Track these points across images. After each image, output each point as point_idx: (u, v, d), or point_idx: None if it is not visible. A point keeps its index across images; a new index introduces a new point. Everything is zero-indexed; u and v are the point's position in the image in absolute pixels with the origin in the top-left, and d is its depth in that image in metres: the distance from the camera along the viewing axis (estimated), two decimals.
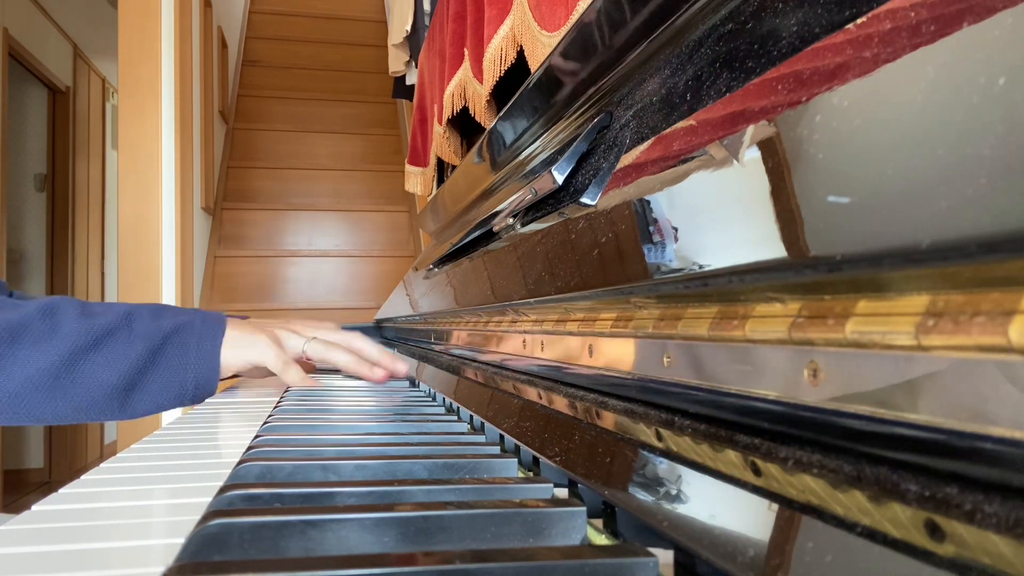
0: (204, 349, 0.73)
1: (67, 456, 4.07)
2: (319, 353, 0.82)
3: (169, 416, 2.43)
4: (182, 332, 0.72)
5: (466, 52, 1.16)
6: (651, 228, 0.30)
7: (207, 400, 0.79)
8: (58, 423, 0.69)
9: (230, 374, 0.76)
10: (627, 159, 0.37)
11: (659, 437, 0.29)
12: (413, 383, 0.91)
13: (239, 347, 0.75)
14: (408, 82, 2.91)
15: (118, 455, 0.47)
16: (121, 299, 2.49)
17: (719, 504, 0.23)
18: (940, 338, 0.16)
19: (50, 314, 0.68)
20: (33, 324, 0.66)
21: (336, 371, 1.19)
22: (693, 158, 0.28)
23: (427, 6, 2.48)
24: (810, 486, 0.20)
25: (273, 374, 0.82)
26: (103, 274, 4.65)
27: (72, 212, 4.29)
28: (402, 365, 0.88)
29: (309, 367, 0.97)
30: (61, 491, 0.36)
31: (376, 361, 0.86)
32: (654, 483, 0.27)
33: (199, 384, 0.72)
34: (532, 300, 0.46)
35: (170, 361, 0.71)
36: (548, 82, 0.56)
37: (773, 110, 0.23)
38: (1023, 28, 0.14)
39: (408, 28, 2.65)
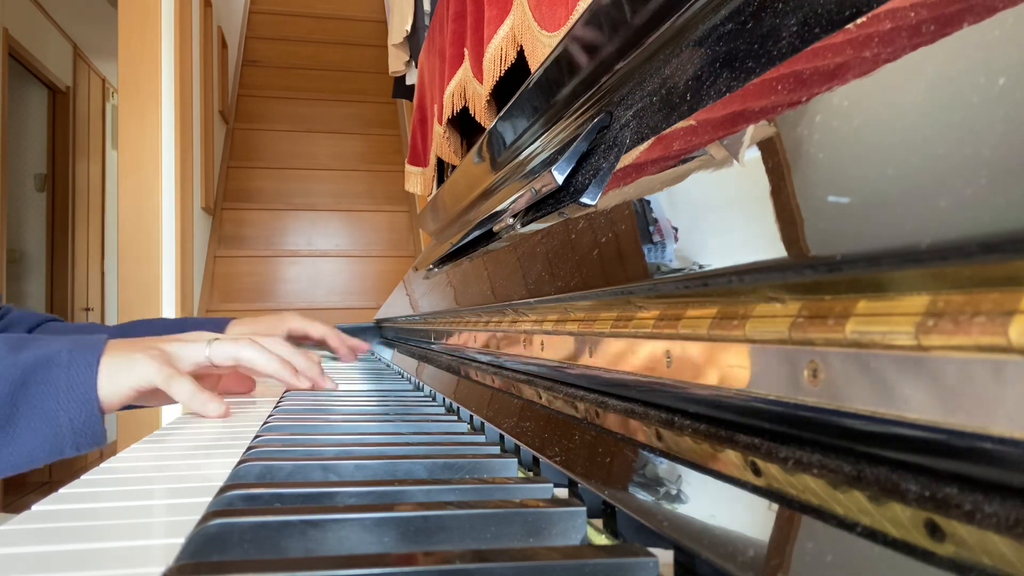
0: (76, 383, 0.59)
1: None
2: (226, 355, 0.68)
3: (169, 416, 2.43)
4: (47, 367, 0.59)
5: (466, 52, 1.16)
6: (651, 228, 0.30)
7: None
8: None
9: (116, 406, 0.63)
10: (627, 159, 0.37)
11: (659, 437, 0.29)
12: (415, 384, 0.91)
13: (118, 373, 0.61)
14: (408, 82, 2.91)
15: (118, 455, 0.47)
16: (122, 299, 2.50)
17: (719, 504, 0.23)
18: (940, 338, 0.16)
19: None
20: None
21: (335, 361, 1.20)
22: (693, 158, 0.28)
23: (427, 6, 2.48)
24: (810, 486, 0.20)
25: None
26: (103, 274, 4.65)
27: (72, 212, 4.29)
28: (329, 383, 0.78)
29: (244, 384, 0.83)
30: (61, 491, 0.36)
31: (302, 370, 0.75)
32: (654, 483, 0.27)
33: (76, 428, 0.59)
34: (532, 300, 0.46)
35: (36, 402, 0.58)
36: (548, 82, 0.56)
37: (773, 110, 0.23)
38: (1023, 28, 0.14)
39: (408, 28, 2.65)
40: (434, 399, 0.72)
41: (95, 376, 0.60)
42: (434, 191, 1.68)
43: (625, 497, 0.28)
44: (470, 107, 1.17)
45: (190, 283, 2.76)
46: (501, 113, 0.67)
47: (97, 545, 0.28)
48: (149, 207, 2.49)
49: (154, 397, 0.67)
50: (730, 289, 0.25)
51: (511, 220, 0.57)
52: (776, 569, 0.19)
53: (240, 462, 0.38)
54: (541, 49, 0.77)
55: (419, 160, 1.80)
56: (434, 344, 0.95)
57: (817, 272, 0.20)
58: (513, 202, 0.54)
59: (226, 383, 0.80)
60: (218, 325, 0.69)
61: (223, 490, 0.32)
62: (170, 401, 0.69)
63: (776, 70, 0.25)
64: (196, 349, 0.68)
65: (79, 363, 0.60)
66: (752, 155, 0.24)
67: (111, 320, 4.65)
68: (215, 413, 0.65)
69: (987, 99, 0.14)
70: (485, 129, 0.85)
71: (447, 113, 1.30)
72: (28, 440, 0.58)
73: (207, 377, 0.74)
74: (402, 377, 0.99)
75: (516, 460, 0.40)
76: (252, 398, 0.82)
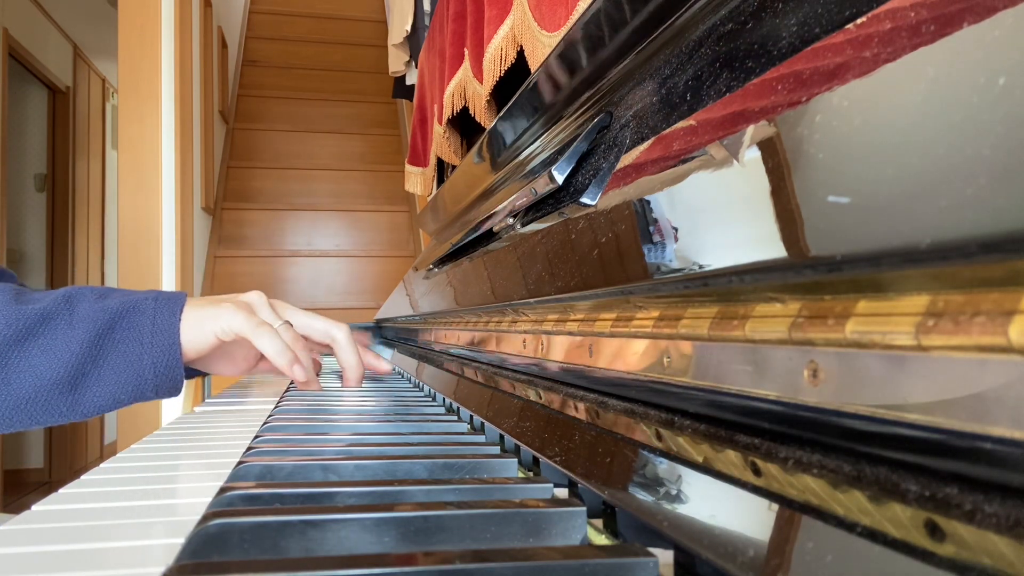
0: (160, 329, 0.62)
1: (67, 456, 4.07)
2: (322, 329, 0.72)
3: (169, 416, 2.43)
4: (133, 313, 0.62)
5: (466, 52, 1.16)
6: (651, 228, 0.30)
7: (207, 400, 0.78)
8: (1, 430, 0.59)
9: (196, 355, 0.65)
10: (627, 159, 0.37)
11: (659, 437, 0.29)
12: (415, 384, 0.91)
13: (201, 321, 0.63)
14: (408, 82, 2.91)
15: (118, 455, 0.47)
16: None
17: (719, 504, 0.23)
18: (940, 338, 0.16)
19: None
20: None
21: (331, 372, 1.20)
22: (693, 158, 0.28)
23: (427, 6, 2.48)
24: (810, 486, 0.20)
25: (262, 371, 0.72)
26: (103, 274, 4.65)
27: (72, 212, 4.29)
28: (385, 364, 0.80)
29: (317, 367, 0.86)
30: (61, 491, 0.36)
31: (355, 367, 0.77)
32: (654, 483, 0.27)
33: (159, 372, 0.62)
34: (532, 300, 0.46)
35: (121, 347, 0.60)
36: (548, 82, 0.56)
37: (773, 110, 0.23)
38: (1023, 28, 0.14)
39: (408, 28, 2.65)
40: (434, 399, 0.72)
41: (178, 323, 0.62)
42: (434, 191, 1.68)
43: (625, 497, 0.28)
44: (470, 107, 1.17)
45: (190, 283, 2.76)
46: (501, 113, 0.67)
47: (97, 545, 0.28)
48: (149, 207, 2.49)
49: (230, 359, 0.70)
50: (730, 289, 0.25)
51: (511, 220, 0.57)
52: (776, 569, 0.19)
53: (240, 462, 0.38)
54: (541, 49, 0.77)
55: (419, 160, 1.80)
56: (434, 344, 0.95)
57: (817, 272, 0.20)
58: (513, 202, 0.54)
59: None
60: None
61: (223, 490, 0.32)
62: (243, 367, 0.71)
63: (776, 70, 0.25)
64: (272, 316, 0.69)
65: (163, 310, 0.63)
66: (752, 155, 0.24)
67: None
68: (301, 377, 0.67)
69: (987, 99, 0.14)
70: (485, 129, 0.85)
71: (447, 113, 1.30)
72: (113, 382, 0.60)
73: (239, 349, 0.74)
74: (402, 377, 0.99)
75: (516, 460, 0.40)
76: (252, 398, 0.82)
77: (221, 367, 0.72)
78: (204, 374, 0.77)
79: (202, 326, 0.63)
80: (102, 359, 0.60)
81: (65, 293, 0.62)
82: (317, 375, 0.78)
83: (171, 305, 0.63)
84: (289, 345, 0.67)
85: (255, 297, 0.70)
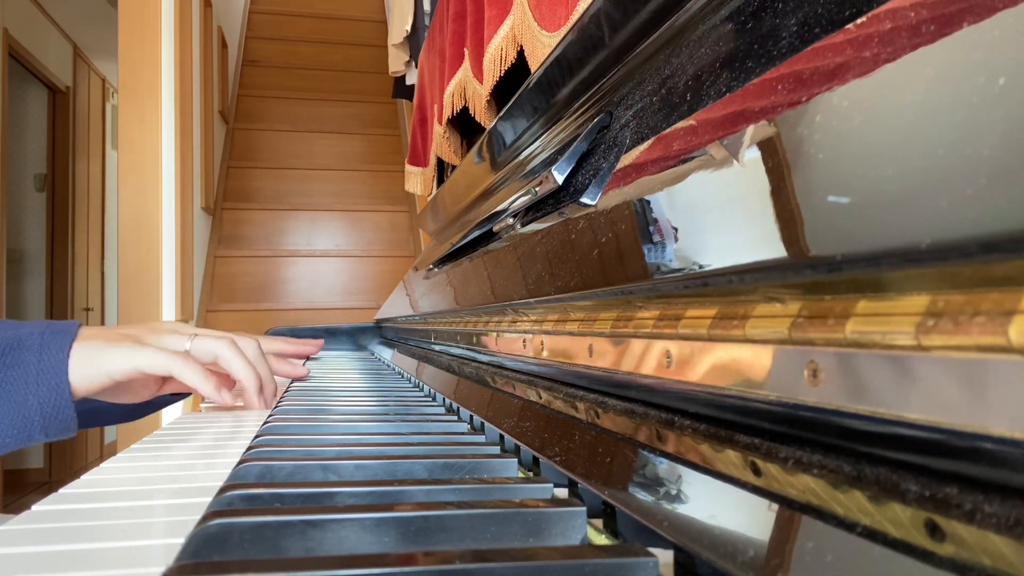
0: (47, 367, 0.57)
1: (67, 456, 4.07)
2: (207, 351, 0.66)
3: (169, 416, 2.43)
4: (17, 350, 0.57)
5: (466, 52, 1.16)
6: (651, 228, 0.30)
7: (206, 400, 0.78)
8: None
9: (87, 394, 0.60)
10: (627, 159, 0.37)
11: (659, 437, 0.29)
12: (415, 384, 0.91)
13: (93, 358, 0.58)
14: (408, 82, 2.91)
15: (118, 455, 0.47)
16: (121, 299, 2.50)
17: (719, 504, 0.23)
18: (940, 338, 0.16)
19: None
20: None
21: (339, 356, 1.20)
22: (693, 158, 0.28)
23: (427, 6, 2.48)
24: (810, 486, 0.20)
25: (148, 396, 0.66)
26: (103, 274, 4.65)
27: (72, 212, 4.29)
28: (268, 407, 0.72)
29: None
30: (61, 491, 0.36)
31: (264, 386, 0.71)
32: (654, 483, 0.27)
33: (46, 413, 0.57)
34: (532, 300, 0.46)
35: (5, 386, 0.56)
36: (548, 82, 0.56)
37: (773, 110, 0.23)
38: (1023, 28, 0.14)
39: (408, 28, 2.65)
40: (434, 399, 0.72)
41: (67, 360, 0.58)
42: (434, 191, 1.68)
43: (625, 497, 0.28)
44: (470, 107, 1.17)
45: (190, 283, 2.76)
46: (501, 113, 0.67)
47: (97, 545, 0.28)
48: (149, 207, 2.49)
49: (125, 390, 0.65)
50: (730, 289, 0.25)
51: (511, 220, 0.57)
52: (776, 569, 0.19)
53: (240, 462, 0.38)
54: (541, 49, 0.77)
55: (419, 160, 1.80)
56: (434, 344, 0.95)
57: (817, 272, 0.20)
58: (513, 202, 0.54)
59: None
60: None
61: (223, 490, 0.32)
62: (137, 396, 0.67)
63: (776, 70, 0.25)
64: (178, 341, 0.66)
65: (50, 347, 0.58)
66: (752, 155, 0.24)
67: (111, 321, 4.65)
68: (223, 402, 0.64)
69: (987, 99, 0.14)
70: (485, 129, 0.85)
71: (447, 113, 1.30)
72: None
73: (172, 381, 0.70)
74: (402, 377, 0.99)
75: (516, 460, 0.40)
76: None
77: (120, 398, 0.67)
78: (109, 411, 0.73)
79: (92, 366, 0.59)
80: None
81: None
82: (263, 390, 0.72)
83: (59, 340, 0.59)
84: (208, 374, 0.63)
85: (159, 330, 0.67)
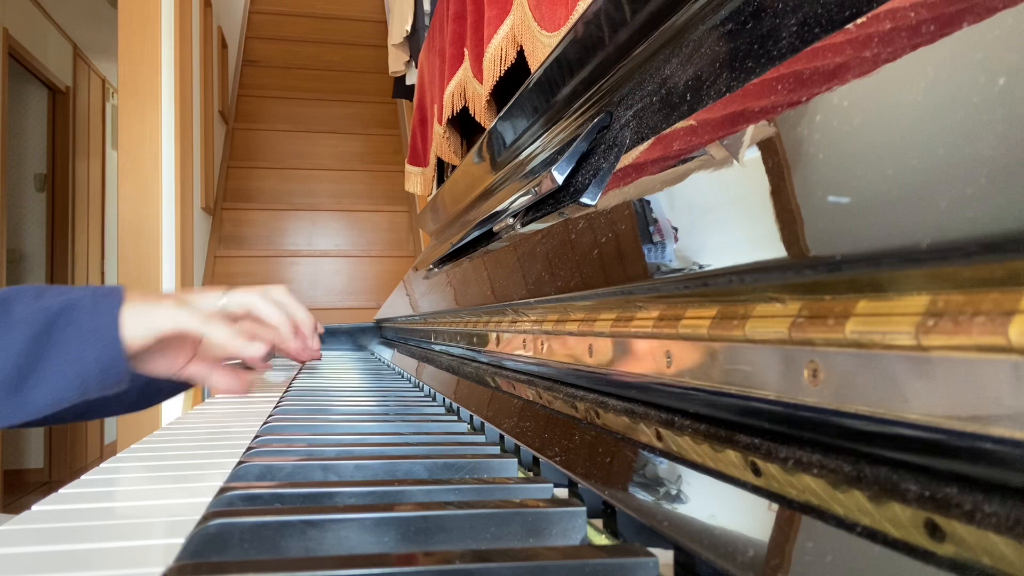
0: (101, 324, 0.62)
1: (67, 456, 4.07)
2: (241, 304, 0.72)
3: (169, 416, 2.43)
4: (71, 310, 0.62)
5: (466, 52, 1.16)
6: (651, 228, 0.30)
7: (207, 400, 0.78)
8: None
9: (137, 349, 0.65)
10: (627, 159, 0.37)
11: (659, 437, 0.29)
12: (415, 384, 0.91)
13: (141, 317, 0.64)
14: (408, 82, 2.91)
15: (118, 455, 0.47)
16: None
17: (719, 504, 0.23)
18: (940, 338, 0.16)
19: None
20: None
21: (342, 356, 1.20)
22: (693, 158, 0.28)
23: (427, 6, 2.48)
24: (810, 486, 0.20)
25: (181, 366, 0.72)
26: (103, 274, 4.65)
27: (72, 212, 4.29)
28: (313, 354, 0.80)
29: (237, 382, 0.80)
30: (61, 491, 0.36)
31: (301, 325, 0.77)
32: (654, 483, 0.27)
33: (103, 365, 0.62)
34: (532, 300, 0.46)
35: (62, 345, 0.61)
36: (548, 82, 0.56)
37: (773, 110, 0.23)
38: (1023, 28, 0.14)
39: (408, 28, 2.65)
40: (434, 399, 0.72)
41: (118, 317, 0.63)
42: (434, 191, 1.68)
43: (625, 497, 0.28)
44: (470, 107, 1.17)
45: (190, 283, 2.76)
46: (501, 113, 0.67)
47: (97, 545, 0.28)
48: (149, 207, 2.49)
49: (178, 352, 0.71)
50: (730, 289, 0.25)
51: (511, 220, 0.57)
52: (776, 569, 0.19)
53: (240, 462, 0.38)
54: (541, 49, 0.77)
55: (419, 160, 1.80)
56: (434, 344, 0.95)
57: (817, 272, 0.20)
58: (513, 202, 0.54)
59: (218, 381, 0.79)
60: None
61: (223, 490, 0.32)
62: (177, 366, 0.72)
63: (776, 70, 0.25)
64: (212, 297, 0.71)
65: (102, 305, 0.63)
66: (752, 155, 0.24)
67: None
68: (256, 352, 0.69)
69: (987, 99, 0.14)
70: (485, 129, 0.85)
71: (447, 113, 1.30)
72: (57, 380, 0.61)
73: (183, 349, 0.74)
74: (402, 377, 0.99)
75: (516, 460, 0.40)
76: (252, 398, 0.82)
77: (157, 366, 0.72)
78: (181, 389, 0.78)
79: (141, 323, 0.64)
80: (44, 358, 0.61)
81: (3, 294, 0.62)
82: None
83: (110, 300, 0.64)
84: (236, 332, 0.69)
85: (193, 295, 0.72)
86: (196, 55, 2.94)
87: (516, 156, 0.70)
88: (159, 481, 0.40)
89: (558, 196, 0.46)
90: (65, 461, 4.05)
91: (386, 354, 1.42)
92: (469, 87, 1.15)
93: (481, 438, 0.48)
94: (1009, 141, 0.14)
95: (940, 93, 0.16)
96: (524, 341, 0.50)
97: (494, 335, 0.60)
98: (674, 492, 0.26)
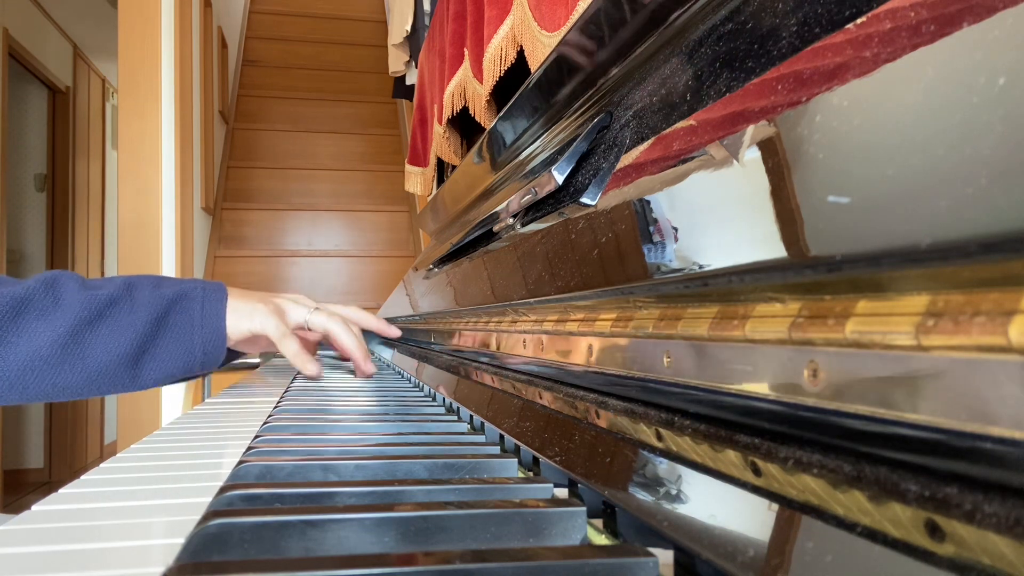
0: (209, 315, 0.73)
1: (67, 456, 4.07)
2: (322, 325, 0.83)
3: (169, 416, 2.44)
4: (184, 299, 0.73)
5: (466, 52, 1.16)
6: (651, 228, 0.30)
7: (207, 400, 0.78)
8: (68, 397, 0.69)
9: (236, 340, 0.77)
10: (627, 159, 0.37)
11: (659, 437, 0.29)
12: (415, 384, 0.91)
13: (241, 315, 0.75)
14: (408, 82, 2.91)
15: (118, 455, 0.47)
16: None
17: (719, 504, 0.23)
18: (940, 338, 0.16)
19: (52, 287, 0.68)
20: (36, 298, 0.67)
21: (339, 362, 1.20)
22: (693, 158, 0.28)
23: (427, 6, 2.48)
24: (810, 486, 0.20)
25: (273, 351, 0.83)
26: (103, 274, 4.65)
27: (72, 212, 4.29)
28: (371, 368, 0.92)
29: (312, 348, 0.97)
30: (61, 491, 0.36)
31: (364, 356, 0.88)
32: (654, 483, 0.27)
33: (207, 351, 0.73)
34: (532, 300, 0.46)
35: (176, 328, 0.71)
36: (548, 82, 0.56)
37: (773, 110, 0.23)
38: (1023, 28, 0.14)
39: (408, 28, 2.65)
40: (434, 399, 0.72)
41: (223, 310, 0.74)
42: (434, 191, 1.68)
43: (625, 497, 0.28)
44: (470, 107, 1.17)
45: None
46: (501, 113, 0.67)
47: (97, 545, 0.28)
48: (149, 207, 2.49)
49: (255, 344, 0.83)
50: (730, 289, 0.25)
51: (511, 220, 0.57)
52: (776, 569, 0.19)
53: (240, 462, 0.38)
54: (541, 49, 0.77)
55: (419, 160, 1.80)
56: (434, 344, 0.95)
57: (817, 272, 0.20)
58: (513, 202, 0.54)
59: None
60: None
61: (223, 490, 0.32)
62: (263, 349, 0.85)
63: (776, 70, 0.25)
64: (300, 312, 0.83)
65: (211, 299, 0.75)
66: (752, 155, 0.24)
67: None
68: (313, 372, 0.82)
69: (987, 99, 0.14)
70: (485, 129, 0.85)
71: (447, 113, 1.30)
72: (168, 359, 0.71)
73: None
74: (402, 377, 0.99)
75: (516, 460, 0.40)
76: (252, 398, 0.82)
77: (246, 349, 0.84)
78: (236, 357, 0.90)
79: (241, 321, 0.76)
80: (160, 339, 0.71)
81: (125, 281, 0.72)
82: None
83: (217, 294, 0.75)
84: (302, 349, 0.81)
85: (287, 303, 0.83)
86: (196, 55, 2.94)
87: (516, 156, 0.70)
88: (159, 481, 0.40)
89: (558, 196, 0.46)
90: (65, 461, 4.05)
91: (386, 354, 1.42)
92: (469, 87, 1.15)
93: (481, 438, 0.48)
94: (1009, 141, 0.14)
95: (940, 93, 0.16)
96: (524, 341, 0.50)
97: (494, 335, 0.60)
98: (674, 492, 0.26)
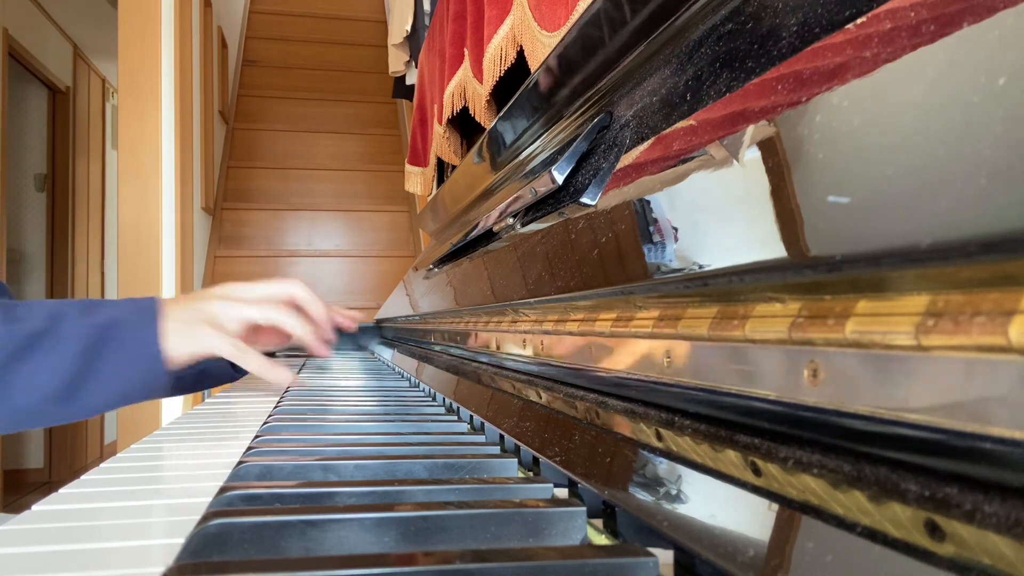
0: (143, 341, 0.67)
1: (67, 456, 4.07)
2: (266, 319, 0.74)
3: (169, 416, 2.43)
4: (116, 326, 0.67)
5: (466, 52, 1.16)
6: (651, 228, 0.30)
7: (207, 400, 0.78)
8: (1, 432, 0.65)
9: (178, 365, 0.69)
10: (627, 159, 0.37)
11: (659, 437, 0.29)
12: (414, 384, 0.91)
13: (181, 338, 0.68)
14: (408, 82, 2.91)
15: (118, 455, 0.47)
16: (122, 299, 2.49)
17: (719, 504, 0.23)
18: (940, 338, 0.16)
19: None
20: None
21: (339, 362, 1.19)
22: (693, 158, 0.28)
23: (427, 6, 2.48)
24: (810, 486, 0.20)
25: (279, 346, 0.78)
26: (103, 274, 4.65)
27: (72, 212, 4.29)
28: (327, 350, 0.82)
29: (277, 338, 0.84)
30: (61, 491, 0.36)
31: (319, 322, 0.80)
32: (654, 483, 0.27)
33: (147, 380, 0.67)
34: (532, 300, 0.46)
35: (109, 358, 0.66)
36: (548, 82, 0.56)
37: (773, 110, 0.23)
38: (1023, 28, 0.14)
39: (408, 28, 2.65)
40: (434, 399, 0.72)
41: (158, 334, 0.67)
42: (434, 191, 1.68)
43: (625, 497, 0.28)
44: (470, 107, 1.17)
45: (190, 283, 2.76)
46: (501, 113, 0.67)
47: (97, 545, 0.28)
48: (149, 207, 2.49)
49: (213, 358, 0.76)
50: (730, 289, 0.25)
51: (511, 220, 0.57)
52: (776, 569, 0.19)
53: (240, 462, 0.38)
54: (541, 49, 0.77)
55: (419, 160, 1.80)
56: (434, 344, 0.95)
57: (817, 272, 0.20)
58: (513, 202, 0.54)
59: (263, 339, 0.84)
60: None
61: (223, 490, 0.32)
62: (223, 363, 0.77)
63: (776, 70, 0.25)
64: (237, 312, 0.74)
65: (144, 321, 0.68)
66: (752, 155, 0.24)
67: None
68: (285, 380, 0.73)
69: (987, 99, 0.14)
70: (485, 129, 0.85)
71: (447, 113, 1.30)
72: (105, 389, 0.65)
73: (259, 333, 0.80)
74: (402, 377, 0.99)
75: (516, 460, 0.40)
76: (252, 398, 0.82)
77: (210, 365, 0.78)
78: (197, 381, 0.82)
79: (182, 343, 0.68)
80: (94, 370, 0.64)
81: (50, 311, 0.66)
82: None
83: (150, 316, 0.68)
84: (266, 361, 0.72)
85: (220, 308, 0.74)
86: (196, 55, 2.94)
87: (516, 156, 0.70)
88: (159, 481, 0.40)
89: (558, 196, 0.46)
90: (65, 461, 4.05)
91: (386, 354, 1.42)
92: (469, 87, 1.15)
93: (481, 438, 0.48)
94: (1009, 141, 0.14)
95: (940, 93, 0.16)
96: (524, 341, 0.50)
97: (494, 335, 0.60)
98: (674, 492, 0.26)
